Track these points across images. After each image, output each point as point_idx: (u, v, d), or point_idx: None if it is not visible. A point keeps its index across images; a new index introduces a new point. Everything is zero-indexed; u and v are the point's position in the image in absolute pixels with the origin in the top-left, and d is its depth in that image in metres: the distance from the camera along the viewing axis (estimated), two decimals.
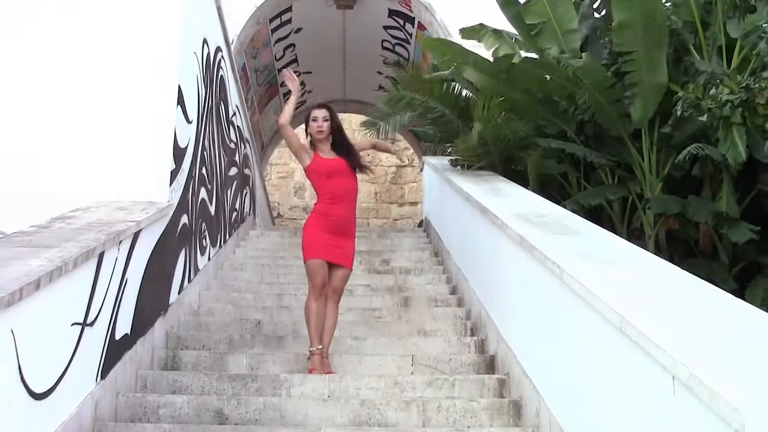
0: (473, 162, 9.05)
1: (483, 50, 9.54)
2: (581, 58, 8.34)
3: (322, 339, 5.81)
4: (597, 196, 8.25)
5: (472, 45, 9.67)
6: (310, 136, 6.12)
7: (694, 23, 8.36)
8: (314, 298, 5.85)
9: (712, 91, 7.00)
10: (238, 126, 10.54)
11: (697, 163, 7.89)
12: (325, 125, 6.04)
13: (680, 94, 7.37)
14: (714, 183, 8.05)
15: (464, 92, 9.62)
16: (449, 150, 10.80)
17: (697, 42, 8.35)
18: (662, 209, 7.79)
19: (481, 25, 9.77)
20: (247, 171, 11.74)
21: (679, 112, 7.22)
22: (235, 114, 10.21)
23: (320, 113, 6.08)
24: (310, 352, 5.76)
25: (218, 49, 8.84)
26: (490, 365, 5.94)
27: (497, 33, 9.55)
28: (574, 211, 6.65)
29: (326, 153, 6.06)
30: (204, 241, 7.91)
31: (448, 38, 12.22)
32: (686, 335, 2.94)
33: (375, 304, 7.70)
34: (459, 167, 9.32)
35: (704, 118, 6.98)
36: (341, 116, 23.36)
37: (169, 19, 6.69)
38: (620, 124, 8.30)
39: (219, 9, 9.05)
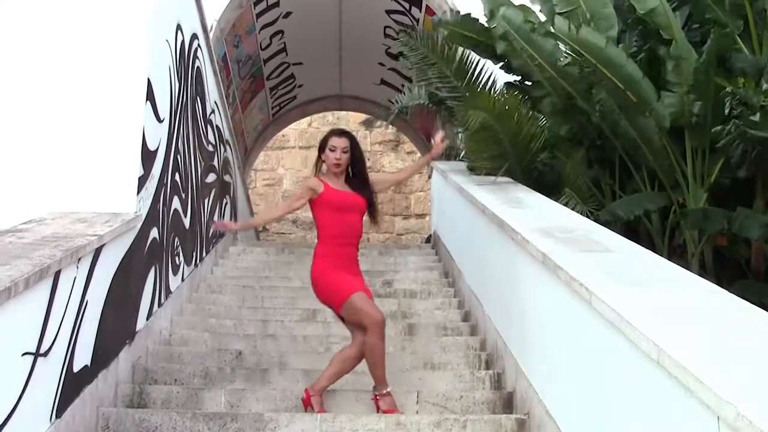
0: (486, 167, 9.07)
1: None
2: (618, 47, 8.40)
3: (320, 380, 5.84)
4: (635, 206, 8.21)
5: None
6: (323, 163, 6.11)
7: None
8: (380, 336, 5.79)
9: (766, 86, 7.01)
10: (217, 125, 10.57)
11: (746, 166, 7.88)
12: (344, 158, 6.02)
13: (729, 89, 7.38)
14: None
15: (482, 65, 9.70)
16: (462, 154, 10.84)
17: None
18: (699, 225, 7.73)
19: None
20: (227, 177, 11.76)
21: (727, 110, 7.23)
22: (213, 111, 10.24)
23: (340, 143, 6.03)
24: (385, 392, 5.81)
25: (194, 37, 8.87)
26: (507, 403, 5.94)
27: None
28: (607, 224, 6.65)
29: (337, 184, 6.05)
30: (177, 258, 7.92)
31: None
32: (734, 369, 2.94)
33: None
34: (472, 173, 9.34)
35: (756, 117, 6.99)
36: (337, 115, 23.48)
37: (137, 1, 6.70)
38: (656, 118, 8.29)
39: None
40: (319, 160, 6.13)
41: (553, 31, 8.54)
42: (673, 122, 8.21)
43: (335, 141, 6.04)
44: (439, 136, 6.50)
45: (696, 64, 7.86)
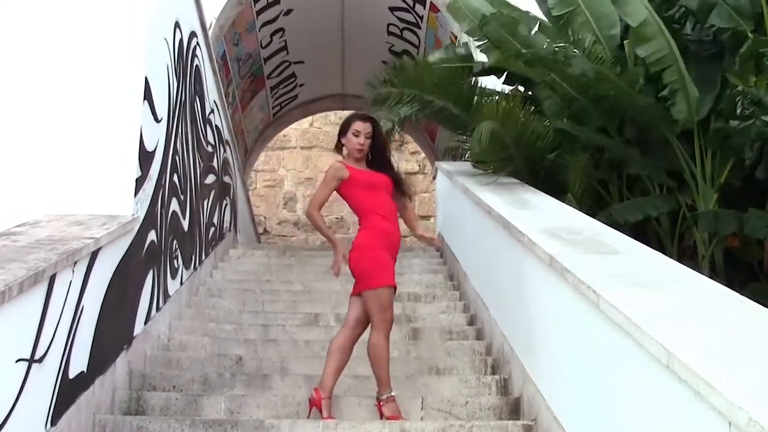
0: (490, 168, 9.05)
1: None
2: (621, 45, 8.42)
3: (325, 379, 5.81)
4: (637, 210, 8.18)
5: None
6: (345, 147, 6.12)
7: None
8: (387, 336, 5.83)
9: None
10: (216, 125, 10.57)
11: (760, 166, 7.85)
12: (367, 143, 6.06)
13: (740, 87, 7.36)
14: None
15: (473, 80, 9.65)
16: (467, 155, 10.81)
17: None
18: (712, 228, 7.70)
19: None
20: (227, 179, 11.75)
21: (738, 110, 7.21)
22: (212, 111, 10.24)
23: (364, 128, 6.06)
24: (388, 397, 5.78)
25: (193, 35, 8.86)
26: (514, 409, 5.93)
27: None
28: (614, 226, 6.63)
29: (359, 166, 6.10)
30: (175, 261, 7.91)
31: None
32: (745, 373, 2.92)
33: None
34: (478, 174, 9.33)
35: None
36: (339, 114, 23.43)
37: None
38: (664, 124, 8.28)
39: None
40: (340, 143, 6.14)
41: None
42: (681, 127, 8.20)
43: (359, 125, 6.05)
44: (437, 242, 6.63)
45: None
